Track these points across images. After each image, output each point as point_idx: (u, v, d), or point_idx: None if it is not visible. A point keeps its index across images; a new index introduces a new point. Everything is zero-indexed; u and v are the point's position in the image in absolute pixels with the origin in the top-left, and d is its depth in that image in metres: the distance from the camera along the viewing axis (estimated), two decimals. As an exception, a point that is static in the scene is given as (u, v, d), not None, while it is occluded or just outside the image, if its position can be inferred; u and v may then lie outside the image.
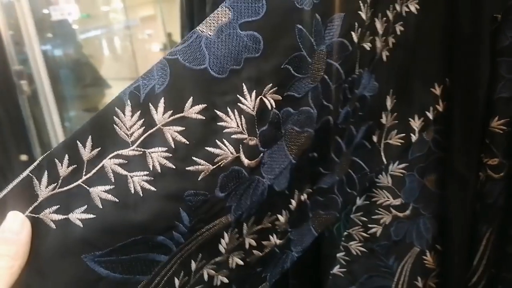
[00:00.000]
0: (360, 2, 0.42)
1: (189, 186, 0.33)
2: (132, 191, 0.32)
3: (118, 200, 0.32)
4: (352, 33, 0.42)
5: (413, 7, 0.50)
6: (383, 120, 0.53)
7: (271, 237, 0.43)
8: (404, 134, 0.55)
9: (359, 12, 0.42)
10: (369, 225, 0.56)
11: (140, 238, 0.32)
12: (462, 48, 0.55)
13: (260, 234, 0.42)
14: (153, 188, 0.32)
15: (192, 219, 0.34)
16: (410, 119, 0.54)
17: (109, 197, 0.32)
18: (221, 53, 0.35)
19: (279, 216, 0.43)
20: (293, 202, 0.44)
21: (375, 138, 0.53)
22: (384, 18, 0.47)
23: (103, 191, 0.32)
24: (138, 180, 0.32)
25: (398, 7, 0.48)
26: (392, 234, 0.56)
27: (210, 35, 0.35)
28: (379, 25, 0.46)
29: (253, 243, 0.42)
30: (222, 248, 0.39)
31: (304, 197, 0.46)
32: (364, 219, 0.56)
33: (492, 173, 0.56)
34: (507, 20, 0.52)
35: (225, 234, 0.38)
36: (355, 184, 0.52)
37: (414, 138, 0.55)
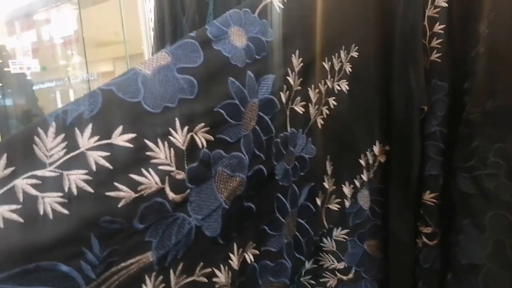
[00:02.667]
0: (288, 69, 0.48)
1: (106, 212, 0.32)
2: (41, 212, 0.30)
3: (23, 221, 0.29)
4: (281, 93, 0.47)
5: (343, 87, 0.58)
6: (326, 184, 0.56)
7: None
8: (340, 200, 0.58)
9: (287, 77, 0.48)
10: (317, 288, 0.56)
11: (43, 265, 0.29)
12: (397, 132, 0.63)
13: None
14: (65, 211, 0.31)
15: (103, 248, 0.32)
16: (343, 185, 0.58)
17: (14, 216, 0.29)
18: (156, 91, 0.37)
19: (216, 271, 0.40)
20: (234, 258, 0.42)
21: (318, 201, 0.55)
22: (317, 90, 0.53)
23: (8, 210, 0.29)
24: (49, 202, 0.30)
25: (329, 83, 0.55)
26: (338, 297, 0.55)
27: (147, 73, 0.37)
28: (312, 94, 0.52)
29: None
30: None
31: (250, 257, 0.44)
32: (313, 282, 0.58)
33: (428, 241, 0.61)
34: (432, 112, 0.62)
35: (147, 279, 0.35)
36: (302, 248, 0.52)
37: (347, 203, 0.58)
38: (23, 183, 0.30)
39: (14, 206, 0.30)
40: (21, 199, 0.30)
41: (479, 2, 0.60)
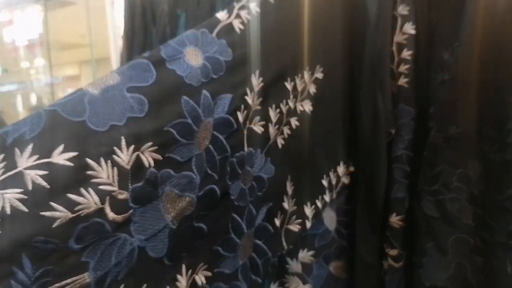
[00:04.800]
0: (247, 89, 0.49)
1: (39, 232, 0.31)
2: None
3: None
4: (238, 113, 0.47)
5: (307, 107, 0.58)
6: (285, 205, 0.56)
7: None
8: (301, 220, 0.58)
9: (246, 96, 0.48)
10: (281, 311, 0.56)
11: None
12: (364, 154, 0.64)
13: None
14: None
15: (36, 268, 0.31)
16: (304, 205, 0.58)
17: None
18: (103, 110, 0.37)
19: None
20: (182, 280, 0.41)
21: (277, 222, 0.54)
22: (278, 110, 0.53)
23: None
24: None
25: (291, 103, 0.56)
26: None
27: (95, 93, 0.37)
28: (272, 114, 0.53)
29: None
30: None
31: (201, 279, 0.44)
32: None
33: (393, 263, 0.61)
34: (399, 135, 0.63)
35: None
36: (259, 269, 0.52)
37: (308, 224, 0.58)
38: None
39: None
40: None
41: (444, 32, 0.63)
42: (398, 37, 0.64)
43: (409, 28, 0.63)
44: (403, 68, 0.63)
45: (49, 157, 0.33)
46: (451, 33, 0.60)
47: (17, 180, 0.32)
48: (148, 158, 0.38)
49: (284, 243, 0.55)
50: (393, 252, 0.61)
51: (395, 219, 0.61)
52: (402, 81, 0.63)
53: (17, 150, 0.33)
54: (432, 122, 0.61)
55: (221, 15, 0.48)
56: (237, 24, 0.48)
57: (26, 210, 0.31)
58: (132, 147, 0.37)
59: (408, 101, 0.63)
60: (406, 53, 0.63)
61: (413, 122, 0.62)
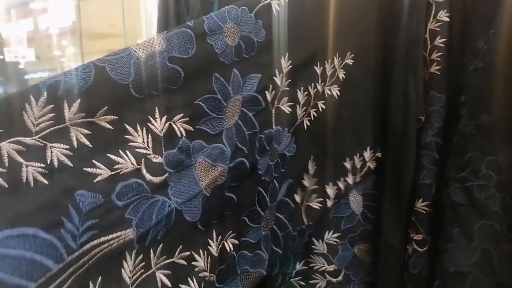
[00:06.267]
0: (276, 70, 0.50)
1: (83, 186, 0.34)
2: (24, 180, 0.32)
3: (7, 186, 0.31)
4: (266, 92, 0.49)
5: (334, 92, 0.59)
6: (306, 183, 0.57)
7: (190, 281, 0.41)
8: (322, 199, 0.59)
9: (274, 77, 0.50)
10: (307, 290, 0.58)
11: (26, 230, 0.31)
12: (392, 140, 0.64)
13: (174, 271, 0.40)
14: (45, 181, 0.33)
15: (82, 220, 0.34)
16: (326, 185, 0.59)
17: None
18: (145, 76, 0.39)
19: (195, 255, 0.42)
20: (213, 245, 0.43)
21: (298, 198, 0.56)
22: (306, 92, 0.55)
23: None
24: (32, 171, 0.32)
25: (319, 87, 0.57)
26: (326, 298, 0.57)
27: (141, 57, 0.39)
28: (300, 96, 0.54)
29: (166, 281, 0.39)
30: (126, 275, 0.36)
31: (229, 246, 0.46)
32: (302, 283, 0.61)
33: (418, 247, 0.62)
34: (429, 122, 0.63)
35: (128, 256, 0.36)
36: (279, 241, 0.53)
37: (329, 203, 0.59)
38: (9, 147, 0.32)
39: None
40: (6, 164, 0.31)
41: (478, 19, 0.62)
42: (431, 24, 0.63)
43: (443, 16, 0.62)
44: (435, 55, 0.63)
45: (93, 116, 0.35)
46: (486, 21, 0.60)
47: (64, 135, 0.34)
48: (179, 128, 0.40)
49: (305, 219, 0.57)
50: (418, 237, 0.61)
51: (421, 205, 0.61)
52: (434, 68, 0.63)
53: (66, 103, 0.34)
54: (463, 109, 0.61)
55: None
56: (275, 6, 0.50)
57: (71, 165, 0.34)
58: (165, 117, 0.39)
59: (440, 89, 0.63)
60: (439, 41, 0.63)
61: (443, 110, 0.62)
